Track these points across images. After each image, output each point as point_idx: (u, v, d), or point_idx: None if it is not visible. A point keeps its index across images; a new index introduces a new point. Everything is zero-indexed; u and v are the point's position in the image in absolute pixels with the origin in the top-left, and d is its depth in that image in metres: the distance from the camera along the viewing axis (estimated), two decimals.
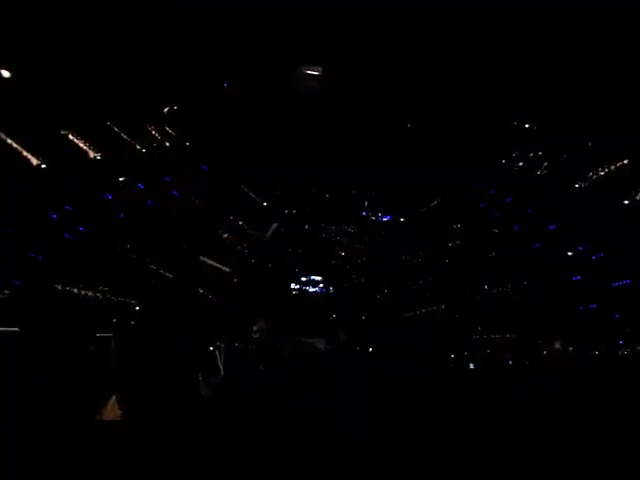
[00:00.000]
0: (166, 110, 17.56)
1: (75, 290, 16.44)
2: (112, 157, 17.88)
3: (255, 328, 20.87)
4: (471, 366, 20.18)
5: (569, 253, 20.78)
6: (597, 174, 20.89)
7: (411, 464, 6.70)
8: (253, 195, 27.00)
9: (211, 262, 23.13)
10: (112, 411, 7.88)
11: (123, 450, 6.50)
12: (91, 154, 17.30)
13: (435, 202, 27.91)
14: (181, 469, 6.28)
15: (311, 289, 27.56)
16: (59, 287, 15.94)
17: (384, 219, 29.60)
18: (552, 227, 22.19)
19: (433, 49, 17.49)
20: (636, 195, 18.63)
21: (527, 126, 24.73)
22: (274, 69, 16.98)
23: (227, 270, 24.31)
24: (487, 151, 25.56)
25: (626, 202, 18.96)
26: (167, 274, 19.94)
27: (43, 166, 15.67)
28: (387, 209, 29.51)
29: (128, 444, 6.69)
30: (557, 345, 19.46)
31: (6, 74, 13.02)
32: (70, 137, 16.72)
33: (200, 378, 11.57)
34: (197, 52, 15.11)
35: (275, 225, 27.87)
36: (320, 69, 17.41)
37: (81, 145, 17.00)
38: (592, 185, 20.95)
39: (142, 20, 13.44)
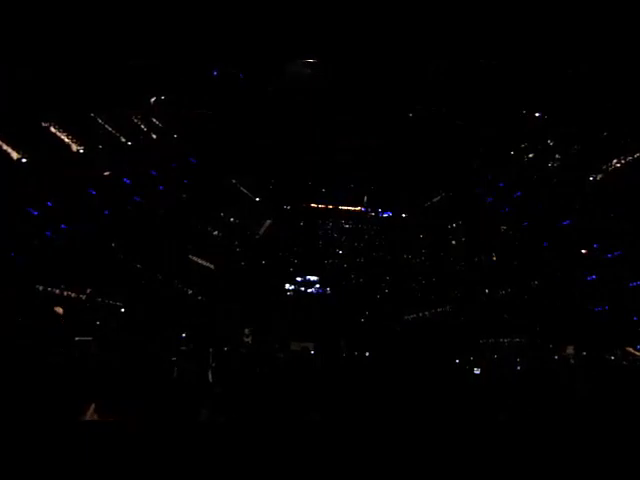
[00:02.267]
0: (153, 100, 17.97)
1: (57, 291, 16.97)
2: (96, 150, 18.32)
3: (247, 331, 21.43)
4: (476, 371, 20.63)
5: (583, 251, 21.30)
6: (612, 166, 21.34)
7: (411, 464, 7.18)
8: (245, 190, 27.43)
9: (200, 261, 23.50)
10: (92, 415, 8.39)
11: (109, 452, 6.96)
12: (74, 147, 17.76)
13: (439, 197, 28.18)
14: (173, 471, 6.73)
15: (307, 290, 27.70)
16: (40, 288, 16.48)
17: (384, 215, 29.90)
18: (565, 223, 22.59)
19: (439, 35, 17.83)
20: None
21: (537, 115, 24.82)
22: (268, 56, 17.41)
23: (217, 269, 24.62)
24: (495, 142, 25.84)
25: None
26: (155, 274, 20.37)
27: (24, 160, 16.16)
28: (387, 204, 29.73)
29: (114, 446, 7.17)
30: (569, 349, 19.95)
31: None
32: (52, 129, 17.18)
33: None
34: (186, 39, 15.58)
35: (268, 222, 28.22)
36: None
37: (63, 138, 17.45)
38: (607, 178, 21.39)
39: (128, 8, 13.95)
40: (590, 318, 20.12)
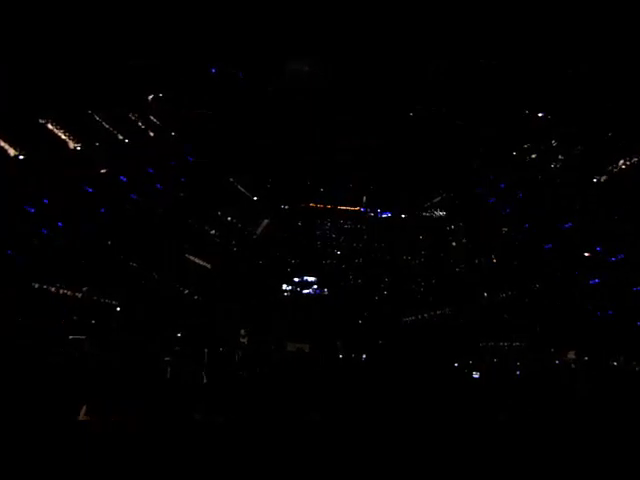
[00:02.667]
0: (150, 98, 18.32)
1: (53, 289, 17.34)
2: (93, 148, 18.66)
3: (243, 332, 21.75)
4: (475, 375, 20.78)
5: (585, 254, 21.44)
6: (617, 167, 21.49)
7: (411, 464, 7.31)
8: (242, 189, 27.64)
9: (197, 260, 23.67)
10: (85, 416, 8.65)
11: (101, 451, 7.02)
12: (71, 144, 18.12)
13: (439, 197, 28.33)
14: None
15: (304, 290, 27.77)
16: (36, 285, 16.86)
17: (383, 215, 29.96)
18: (567, 225, 22.83)
19: (439, 36, 18.09)
20: None
21: (540, 115, 24.76)
22: (267, 56, 17.75)
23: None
24: (495, 142, 26.03)
25: None
26: (151, 273, 20.64)
27: (21, 157, 16.54)
28: (387, 205, 29.67)
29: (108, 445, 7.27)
30: (571, 355, 19.93)
31: None
32: (49, 126, 17.55)
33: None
34: (185, 39, 15.95)
35: (266, 221, 28.37)
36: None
37: (61, 135, 17.81)
38: (611, 179, 21.57)
39: (128, 7, 14.33)
40: (592, 323, 20.17)
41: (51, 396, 9.11)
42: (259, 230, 28.37)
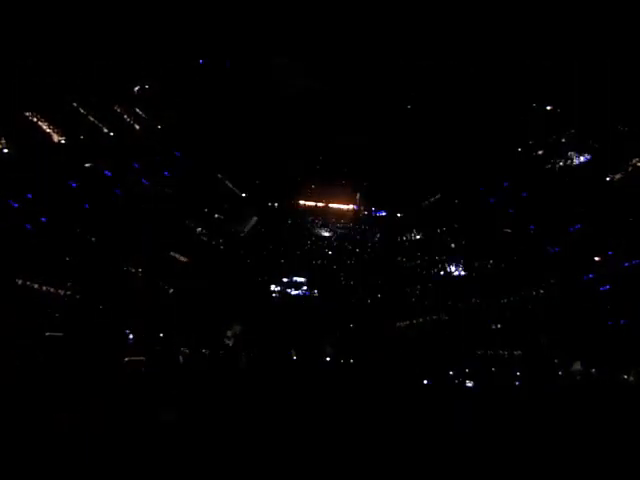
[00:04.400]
0: (136, 89, 19.38)
1: (36, 285, 18.67)
2: (77, 141, 19.87)
3: (229, 333, 23.02)
4: (469, 384, 21.96)
5: (596, 258, 22.36)
6: (632, 165, 22.57)
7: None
8: (230, 185, 28.76)
9: (183, 258, 24.71)
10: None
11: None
12: (55, 138, 19.41)
13: (437, 196, 29.31)
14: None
15: (293, 292, 28.42)
16: (19, 281, 18.23)
17: (378, 214, 31.13)
18: (576, 227, 23.85)
19: (439, 35, 19.18)
20: None
21: (549, 108, 25.69)
22: (255, 47, 19.02)
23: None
24: (499, 137, 27.21)
25: None
26: (135, 270, 21.80)
27: (5, 150, 17.89)
28: (382, 203, 30.83)
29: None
30: (576, 366, 20.88)
31: None
32: (33, 119, 18.82)
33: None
34: (175, 30, 17.31)
35: (255, 219, 29.64)
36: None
37: (44, 127, 19.08)
38: (625, 178, 22.59)
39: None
40: (602, 332, 20.82)
41: (46, 395, 10.44)
42: (247, 228, 29.46)
